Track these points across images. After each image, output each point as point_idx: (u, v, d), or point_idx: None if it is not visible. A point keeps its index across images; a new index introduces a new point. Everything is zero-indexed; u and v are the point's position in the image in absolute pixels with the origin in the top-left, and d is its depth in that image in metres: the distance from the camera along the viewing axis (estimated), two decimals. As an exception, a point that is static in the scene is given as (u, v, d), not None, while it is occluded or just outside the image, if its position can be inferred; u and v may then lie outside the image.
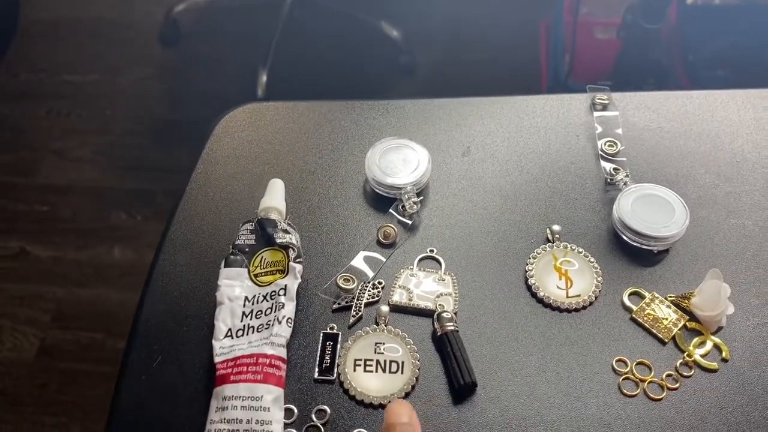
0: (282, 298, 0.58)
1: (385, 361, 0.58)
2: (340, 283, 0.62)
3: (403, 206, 0.67)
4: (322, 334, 0.60)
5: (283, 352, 0.56)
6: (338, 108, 0.76)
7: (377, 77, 1.90)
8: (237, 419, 0.52)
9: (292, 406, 0.56)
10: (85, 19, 2.14)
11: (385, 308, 0.61)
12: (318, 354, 0.59)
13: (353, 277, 0.63)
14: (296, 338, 0.60)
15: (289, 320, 0.57)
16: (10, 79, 2.01)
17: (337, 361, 0.59)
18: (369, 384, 0.57)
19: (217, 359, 0.56)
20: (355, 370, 0.58)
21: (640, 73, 1.25)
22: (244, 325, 0.57)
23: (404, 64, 1.88)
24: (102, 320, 1.53)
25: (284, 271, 0.59)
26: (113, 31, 2.11)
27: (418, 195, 0.67)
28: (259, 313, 0.58)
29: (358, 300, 0.62)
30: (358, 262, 0.65)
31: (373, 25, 1.90)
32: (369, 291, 0.63)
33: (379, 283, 0.63)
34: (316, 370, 0.58)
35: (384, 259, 0.65)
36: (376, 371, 0.58)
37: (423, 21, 1.99)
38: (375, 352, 0.59)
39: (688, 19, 1.43)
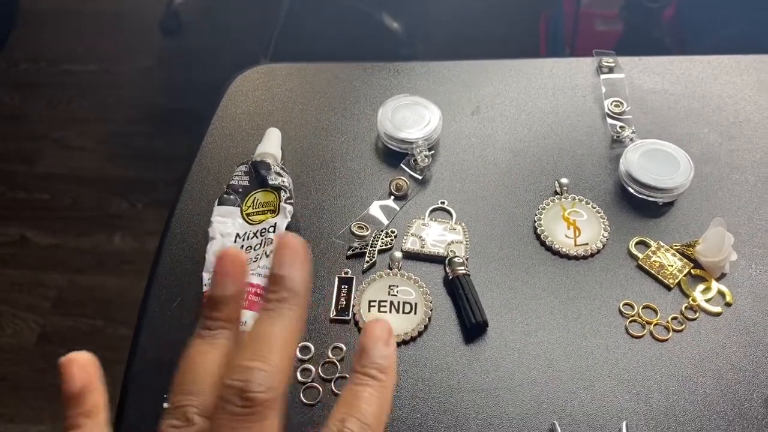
0: (271, 235, 0.59)
1: (398, 303, 0.60)
2: (354, 230, 0.64)
3: (415, 160, 0.68)
4: (337, 278, 0.62)
5: None
6: (349, 69, 0.77)
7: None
8: None
9: (309, 344, 0.58)
10: (86, 9, 2.15)
11: (398, 254, 0.63)
12: (334, 296, 0.61)
13: (367, 225, 0.64)
14: (312, 282, 0.61)
15: None
16: (10, 68, 2.01)
17: (352, 303, 0.60)
18: (383, 323, 0.59)
19: (205, 288, 0.57)
20: (369, 311, 0.59)
21: (641, 53, 1.26)
22: None
23: (405, 56, 1.90)
24: (102, 307, 1.53)
25: (275, 211, 0.61)
26: (114, 21, 2.12)
27: (429, 150, 0.69)
28: (249, 248, 0.59)
29: (371, 247, 0.64)
30: (372, 211, 0.66)
31: (374, 17, 1.92)
32: (382, 239, 0.64)
33: (392, 231, 0.65)
34: (333, 310, 0.60)
35: (397, 208, 0.67)
36: (390, 312, 0.59)
37: (424, 13, 2.02)
38: (389, 294, 0.60)
39: (688, 10, 1.46)
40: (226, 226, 0.61)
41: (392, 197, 0.68)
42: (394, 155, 0.70)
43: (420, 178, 0.69)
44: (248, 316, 0.55)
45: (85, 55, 2.03)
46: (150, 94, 1.95)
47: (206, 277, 0.58)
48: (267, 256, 0.58)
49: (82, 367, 0.33)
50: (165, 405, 0.49)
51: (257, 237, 0.60)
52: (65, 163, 1.80)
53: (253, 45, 1.88)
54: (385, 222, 0.66)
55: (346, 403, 0.31)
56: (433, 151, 0.70)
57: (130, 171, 1.78)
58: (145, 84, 1.97)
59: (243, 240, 0.60)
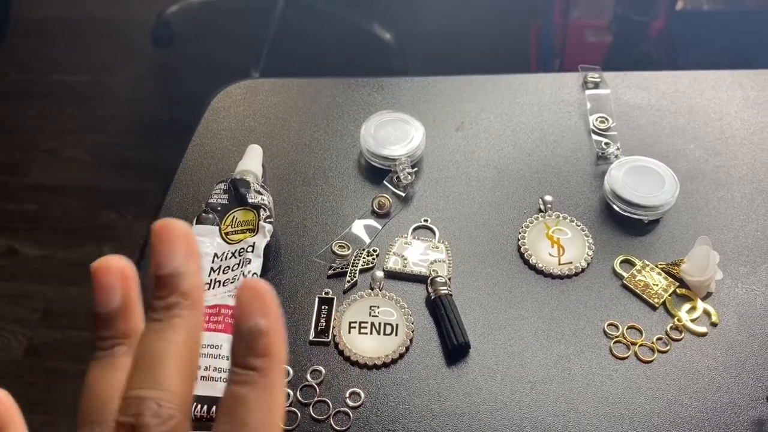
0: (249, 255, 0.58)
1: (379, 324, 0.59)
2: (335, 249, 0.63)
3: (398, 177, 0.68)
4: (317, 299, 0.61)
5: None
6: (333, 85, 0.77)
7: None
8: None
9: (287, 367, 0.56)
10: (77, 19, 2.14)
11: (380, 273, 0.62)
12: (314, 317, 0.60)
13: (348, 244, 0.64)
14: (292, 303, 0.61)
15: (255, 275, 0.58)
16: (0, 78, 2.00)
17: (332, 324, 0.59)
18: (363, 345, 0.58)
19: None
20: (350, 332, 0.58)
21: (629, 67, 1.26)
22: (211, 280, 0.58)
23: (396, 67, 1.90)
24: (91, 319, 1.52)
25: (254, 230, 0.60)
26: (105, 31, 2.11)
27: (412, 167, 0.68)
28: (227, 269, 0.58)
29: (353, 266, 0.63)
30: (354, 230, 0.65)
31: (366, 27, 1.91)
32: (364, 258, 0.63)
33: (374, 250, 0.64)
34: (312, 332, 0.59)
35: (379, 227, 0.66)
36: (371, 333, 0.58)
37: (416, 25, 2.01)
38: (370, 315, 0.59)
39: (677, 25, 1.46)
40: (204, 245, 0.60)
41: (374, 215, 0.67)
42: (377, 172, 0.69)
43: (403, 195, 0.68)
44: (223, 340, 0.54)
45: (76, 65, 2.02)
46: (141, 105, 1.94)
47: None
48: (245, 277, 0.57)
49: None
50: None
51: (235, 257, 0.59)
52: (55, 174, 1.79)
53: (245, 55, 1.87)
54: (367, 240, 0.65)
55: (226, 412, 0.25)
56: (416, 168, 0.69)
57: (120, 182, 1.77)
58: (136, 95, 1.96)
59: (221, 260, 0.59)
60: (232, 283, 0.57)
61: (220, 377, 0.52)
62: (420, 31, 2.01)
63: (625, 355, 0.57)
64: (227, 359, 0.53)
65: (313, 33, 1.99)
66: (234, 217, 0.61)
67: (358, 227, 0.66)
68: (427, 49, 1.97)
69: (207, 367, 0.53)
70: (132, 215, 1.69)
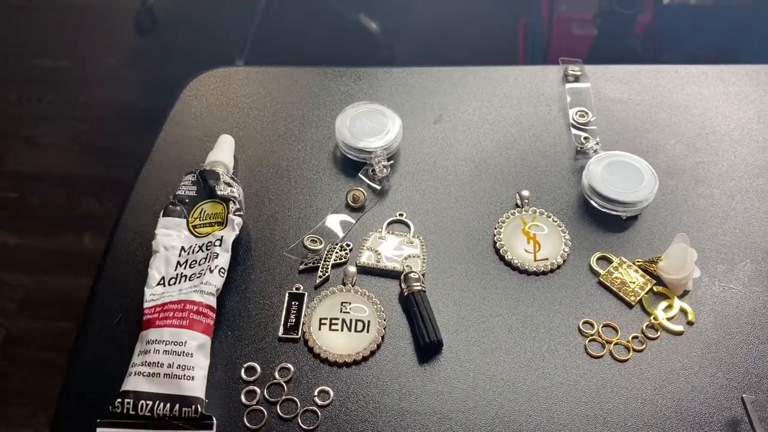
0: (217, 249, 0.57)
1: (350, 320, 0.58)
2: (307, 243, 0.61)
3: (373, 170, 0.66)
4: (287, 294, 0.59)
5: (212, 301, 0.55)
6: (309, 74, 0.75)
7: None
8: (158, 363, 0.51)
9: (255, 364, 0.55)
10: (58, 4, 2.10)
11: (352, 269, 0.60)
12: (283, 313, 0.58)
13: (320, 238, 0.62)
14: (261, 298, 0.59)
15: (222, 270, 0.56)
16: (-22, 63, 1.97)
17: (302, 320, 0.58)
18: (333, 342, 0.56)
19: (145, 305, 0.55)
20: (320, 329, 0.57)
21: (615, 61, 1.25)
22: (177, 274, 0.56)
23: (382, 58, 1.88)
24: (71, 309, 1.49)
25: (223, 224, 0.59)
26: (87, 17, 2.07)
27: (388, 160, 0.67)
28: (194, 263, 0.57)
29: (325, 261, 0.61)
30: (327, 224, 0.64)
31: (352, 18, 1.89)
32: (336, 252, 0.62)
33: (347, 245, 0.63)
34: (281, 328, 0.57)
35: (353, 221, 0.64)
36: (342, 330, 0.57)
37: (402, 16, 1.99)
38: (341, 311, 0.58)
39: (664, 19, 1.45)
40: (171, 239, 0.58)
41: (349, 209, 0.65)
42: (352, 165, 0.68)
43: (378, 188, 0.66)
44: (187, 336, 0.52)
45: (57, 50, 1.99)
46: (123, 93, 1.91)
47: (148, 293, 0.56)
48: (211, 272, 0.56)
49: None
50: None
51: (202, 251, 0.57)
52: (34, 162, 1.76)
53: (229, 44, 1.85)
54: (341, 235, 0.63)
55: None
56: (392, 161, 0.67)
57: (101, 170, 1.74)
58: (117, 82, 1.93)
59: (188, 254, 0.58)
60: (198, 277, 0.56)
61: (184, 375, 0.51)
62: (407, 23, 1.99)
63: (600, 354, 0.56)
64: (192, 356, 0.52)
65: (299, 22, 1.96)
66: (202, 209, 0.60)
67: (332, 221, 0.64)
68: (414, 41, 1.95)
69: (171, 365, 0.51)
70: (113, 204, 1.67)
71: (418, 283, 0.59)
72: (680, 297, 0.60)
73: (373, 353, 0.56)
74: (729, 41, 1.42)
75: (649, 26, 1.44)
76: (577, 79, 0.74)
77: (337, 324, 0.57)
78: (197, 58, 1.91)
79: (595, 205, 0.65)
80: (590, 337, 0.57)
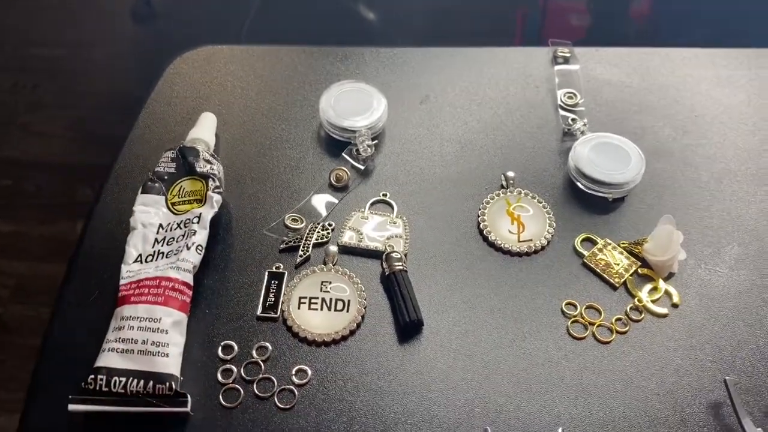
0: (195, 226, 0.56)
1: (330, 300, 0.57)
2: (288, 222, 0.61)
3: (357, 150, 0.65)
4: (267, 273, 0.58)
5: (189, 278, 0.54)
6: (294, 53, 0.74)
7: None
8: (132, 339, 0.50)
9: (233, 343, 0.54)
10: (54, -8, 2.10)
11: (333, 248, 0.60)
12: (262, 292, 0.57)
13: (302, 217, 0.61)
14: (240, 277, 0.58)
15: (199, 247, 0.55)
16: (-25, 52, 1.96)
17: (281, 299, 0.57)
18: (313, 321, 0.56)
19: (121, 282, 0.54)
20: (299, 308, 0.56)
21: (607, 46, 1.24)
22: (154, 251, 0.55)
23: (380, 45, 1.86)
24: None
25: (202, 201, 0.58)
26: (84, 5, 2.07)
27: (372, 139, 0.66)
28: (171, 240, 0.56)
29: (306, 240, 0.61)
30: (309, 203, 0.63)
31: (350, 6, 1.88)
32: (318, 232, 0.61)
33: (329, 224, 0.62)
34: (260, 307, 0.56)
35: (336, 201, 0.64)
36: (321, 309, 0.56)
37: (400, 5, 1.98)
38: (321, 291, 0.57)
39: (662, 10, 1.44)
40: (149, 215, 0.58)
41: (332, 188, 0.64)
42: (336, 144, 0.67)
43: (362, 168, 0.66)
44: (162, 313, 0.51)
45: (53, 39, 1.98)
46: (119, 81, 1.90)
47: (124, 270, 0.55)
48: (188, 249, 0.55)
49: None
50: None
51: (180, 228, 0.57)
52: (30, 149, 1.75)
53: (226, 33, 1.84)
54: (323, 214, 0.63)
55: None
56: (376, 141, 0.67)
57: (97, 158, 1.73)
58: (114, 71, 1.92)
59: (166, 231, 0.57)
60: (175, 254, 0.55)
61: (159, 351, 0.50)
62: (405, 13, 1.97)
63: (583, 336, 0.56)
64: (167, 333, 0.51)
65: (297, 12, 1.95)
66: (181, 186, 0.59)
67: (314, 201, 0.63)
68: (412, 31, 1.94)
69: (145, 341, 0.50)
70: (108, 192, 1.66)
71: (400, 263, 0.58)
72: (665, 279, 0.59)
73: (352, 333, 0.55)
74: (729, 31, 1.41)
75: (645, 15, 1.44)
76: (566, 60, 0.73)
77: (316, 303, 0.57)
78: (194, 48, 1.90)
79: (581, 186, 0.64)
80: (573, 319, 0.56)
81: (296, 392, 0.52)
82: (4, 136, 1.76)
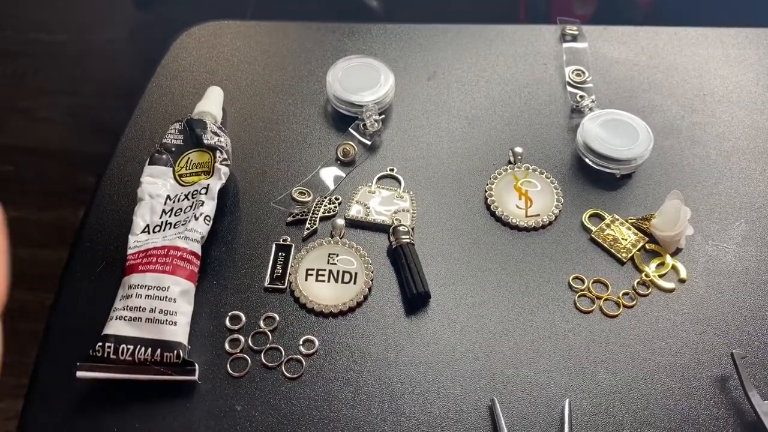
0: (202, 197, 0.56)
1: (337, 272, 0.57)
2: (295, 195, 0.61)
3: (364, 125, 0.65)
4: (274, 245, 0.58)
5: (197, 248, 0.54)
6: (302, 29, 0.74)
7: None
8: (140, 307, 0.50)
9: (240, 313, 0.54)
10: (55, -24, 2.09)
11: (340, 221, 0.59)
12: (270, 264, 0.57)
13: (309, 190, 0.61)
14: (248, 249, 0.58)
15: (207, 218, 0.55)
16: (-25, 37, 1.95)
17: (288, 271, 0.57)
18: (320, 293, 0.56)
19: (129, 251, 0.54)
20: (306, 280, 0.56)
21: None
22: (162, 222, 0.55)
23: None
24: (66, 282, 1.48)
25: (210, 173, 0.58)
26: (84, -10, 2.06)
27: (380, 114, 0.66)
28: (179, 211, 0.56)
29: (313, 213, 0.60)
30: (316, 177, 0.63)
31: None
32: (325, 205, 0.61)
33: (336, 198, 0.62)
34: (267, 278, 0.56)
35: (343, 175, 0.63)
36: (328, 281, 0.56)
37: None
38: (328, 263, 0.57)
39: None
40: (157, 187, 0.57)
41: (339, 163, 0.64)
42: (343, 119, 0.67)
43: (369, 143, 0.65)
44: (170, 282, 0.51)
45: (54, 24, 1.97)
46: (120, 67, 1.89)
47: (132, 240, 0.55)
48: (196, 219, 0.55)
49: None
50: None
51: (188, 199, 0.56)
52: (30, 135, 1.75)
53: (228, 19, 1.83)
54: (330, 188, 0.62)
55: None
56: (383, 116, 0.66)
57: (97, 145, 1.73)
58: (115, 56, 1.91)
59: (173, 202, 0.57)
60: (183, 225, 0.55)
61: (167, 320, 0.50)
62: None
63: (590, 309, 0.56)
64: (174, 301, 0.51)
65: (299, 1, 1.94)
66: (189, 158, 0.59)
67: (322, 174, 0.63)
68: (415, 17, 1.92)
69: (153, 309, 0.50)
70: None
71: (407, 236, 0.58)
72: (673, 255, 0.59)
73: (359, 304, 0.55)
74: (735, 21, 1.40)
75: (652, 4, 1.43)
76: (574, 38, 0.73)
77: (323, 275, 0.57)
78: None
79: (589, 162, 0.64)
80: (580, 293, 0.56)
81: (304, 362, 0.52)
82: (5, 122, 1.76)
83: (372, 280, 0.56)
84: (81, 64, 1.88)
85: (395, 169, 0.64)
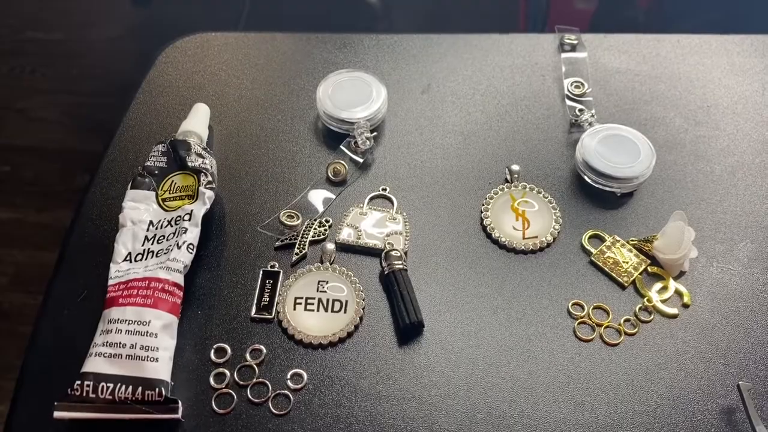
0: (186, 223, 0.54)
1: (327, 300, 0.55)
2: (284, 219, 0.58)
3: (356, 142, 0.63)
4: (261, 272, 0.56)
5: (179, 278, 0.52)
6: (291, 40, 0.71)
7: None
8: (120, 343, 0.48)
9: (225, 345, 0.52)
10: (51, -26, 2.06)
11: (330, 246, 0.57)
12: (257, 292, 0.55)
13: (297, 213, 0.59)
14: (234, 276, 0.56)
15: (191, 246, 0.53)
16: (-29, 36, 1.93)
17: (276, 300, 0.55)
18: (308, 323, 0.54)
19: (110, 282, 0.52)
20: (295, 309, 0.54)
21: (614, 32, 1.20)
22: (144, 250, 0.53)
23: (380, 30, 1.83)
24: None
25: (194, 197, 0.55)
26: (81, -12, 2.03)
27: (372, 131, 0.64)
28: (162, 238, 0.54)
29: (302, 238, 0.58)
30: (305, 199, 0.61)
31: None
32: (315, 229, 0.59)
33: (327, 221, 0.60)
34: (254, 308, 0.54)
35: (333, 197, 0.61)
36: (318, 310, 0.54)
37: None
38: (317, 291, 0.55)
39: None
40: (139, 212, 0.55)
41: (329, 183, 0.62)
42: (334, 136, 0.65)
43: (361, 162, 0.63)
44: (152, 316, 0.49)
45: (51, 22, 1.95)
46: (118, 66, 1.87)
47: (113, 269, 0.53)
48: (179, 248, 0.53)
49: None
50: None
51: (171, 225, 0.54)
52: (27, 135, 1.73)
53: (225, 16, 1.81)
54: (320, 210, 0.60)
55: None
56: (375, 133, 0.64)
57: (95, 145, 1.71)
58: (112, 55, 1.89)
59: (156, 228, 0.55)
60: (165, 254, 0.53)
61: (148, 356, 0.48)
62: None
63: (590, 338, 0.53)
64: (156, 336, 0.49)
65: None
66: (173, 182, 0.57)
67: (311, 196, 0.61)
68: (414, 13, 1.90)
69: (134, 345, 0.48)
70: (106, 179, 1.64)
71: (400, 262, 0.56)
72: (676, 278, 0.57)
73: (350, 335, 0.53)
74: (736, 16, 1.38)
75: (653, 2, 1.40)
76: (573, 48, 0.70)
77: (313, 304, 0.55)
78: (193, 32, 1.87)
79: (589, 180, 0.61)
80: (580, 320, 0.54)
81: (291, 397, 0.50)
82: (1, 121, 1.74)
83: (363, 309, 0.54)
84: (78, 63, 1.86)
85: (388, 189, 0.62)
